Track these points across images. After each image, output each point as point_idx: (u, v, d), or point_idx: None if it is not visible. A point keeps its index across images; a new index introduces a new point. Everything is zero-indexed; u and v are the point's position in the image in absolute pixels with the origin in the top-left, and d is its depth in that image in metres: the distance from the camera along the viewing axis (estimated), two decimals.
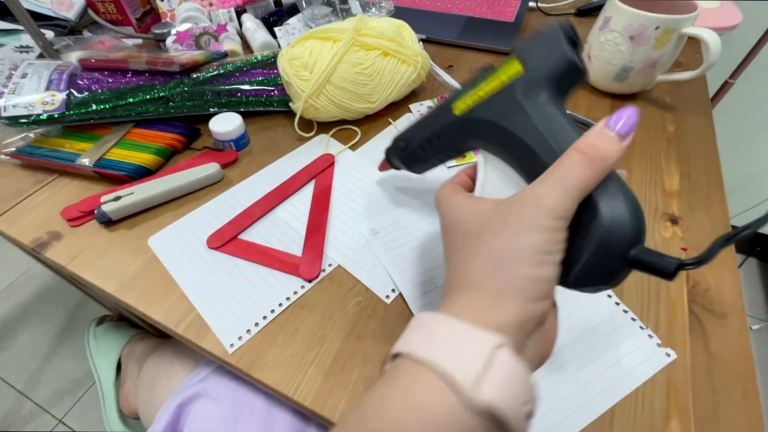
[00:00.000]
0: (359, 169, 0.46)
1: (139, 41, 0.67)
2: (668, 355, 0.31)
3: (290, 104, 0.49)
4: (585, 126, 0.49)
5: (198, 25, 0.59)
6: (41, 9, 0.62)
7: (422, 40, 0.65)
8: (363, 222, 0.41)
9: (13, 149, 0.46)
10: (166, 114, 0.48)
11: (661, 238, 0.39)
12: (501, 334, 0.18)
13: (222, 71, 0.49)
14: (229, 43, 0.59)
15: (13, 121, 0.44)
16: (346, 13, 0.64)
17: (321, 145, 0.49)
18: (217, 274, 0.37)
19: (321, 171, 0.45)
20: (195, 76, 0.48)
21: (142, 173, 0.44)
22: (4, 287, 1.22)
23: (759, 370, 0.30)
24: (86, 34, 0.66)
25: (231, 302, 0.35)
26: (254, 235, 0.40)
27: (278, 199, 0.42)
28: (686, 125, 0.51)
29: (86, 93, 0.46)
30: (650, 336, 0.32)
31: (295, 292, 0.35)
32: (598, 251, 0.20)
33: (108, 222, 0.40)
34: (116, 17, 0.65)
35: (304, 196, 0.43)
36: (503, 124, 0.24)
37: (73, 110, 0.45)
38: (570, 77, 0.24)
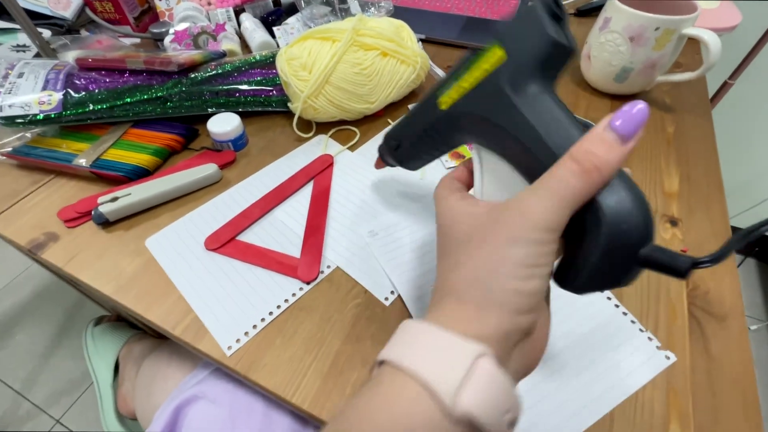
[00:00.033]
0: (358, 169, 0.46)
1: (137, 40, 0.66)
2: (668, 357, 0.31)
3: (289, 104, 0.48)
4: (584, 128, 0.49)
5: (196, 24, 0.59)
6: (38, 8, 0.62)
7: (421, 40, 0.64)
8: (362, 223, 0.40)
9: (10, 149, 0.45)
10: (163, 114, 0.48)
11: (661, 240, 0.39)
12: (483, 344, 0.17)
13: (220, 71, 0.49)
14: (228, 43, 0.58)
15: (10, 121, 0.44)
16: (345, 12, 0.64)
17: (320, 145, 0.48)
18: (215, 276, 0.36)
19: (320, 172, 0.45)
20: (193, 76, 0.48)
21: (139, 174, 0.44)
22: (2, 287, 1.22)
23: (757, 371, 0.30)
24: (83, 33, 0.65)
25: (229, 304, 0.35)
26: (252, 236, 0.40)
27: (277, 200, 0.42)
28: (686, 126, 0.51)
29: (83, 93, 0.45)
30: (650, 338, 0.32)
31: (294, 294, 0.35)
32: (606, 254, 0.18)
33: (105, 223, 0.40)
34: (114, 16, 0.65)
35: (303, 197, 0.43)
36: (493, 119, 0.22)
37: (70, 110, 0.45)
38: (556, 57, 0.21)
